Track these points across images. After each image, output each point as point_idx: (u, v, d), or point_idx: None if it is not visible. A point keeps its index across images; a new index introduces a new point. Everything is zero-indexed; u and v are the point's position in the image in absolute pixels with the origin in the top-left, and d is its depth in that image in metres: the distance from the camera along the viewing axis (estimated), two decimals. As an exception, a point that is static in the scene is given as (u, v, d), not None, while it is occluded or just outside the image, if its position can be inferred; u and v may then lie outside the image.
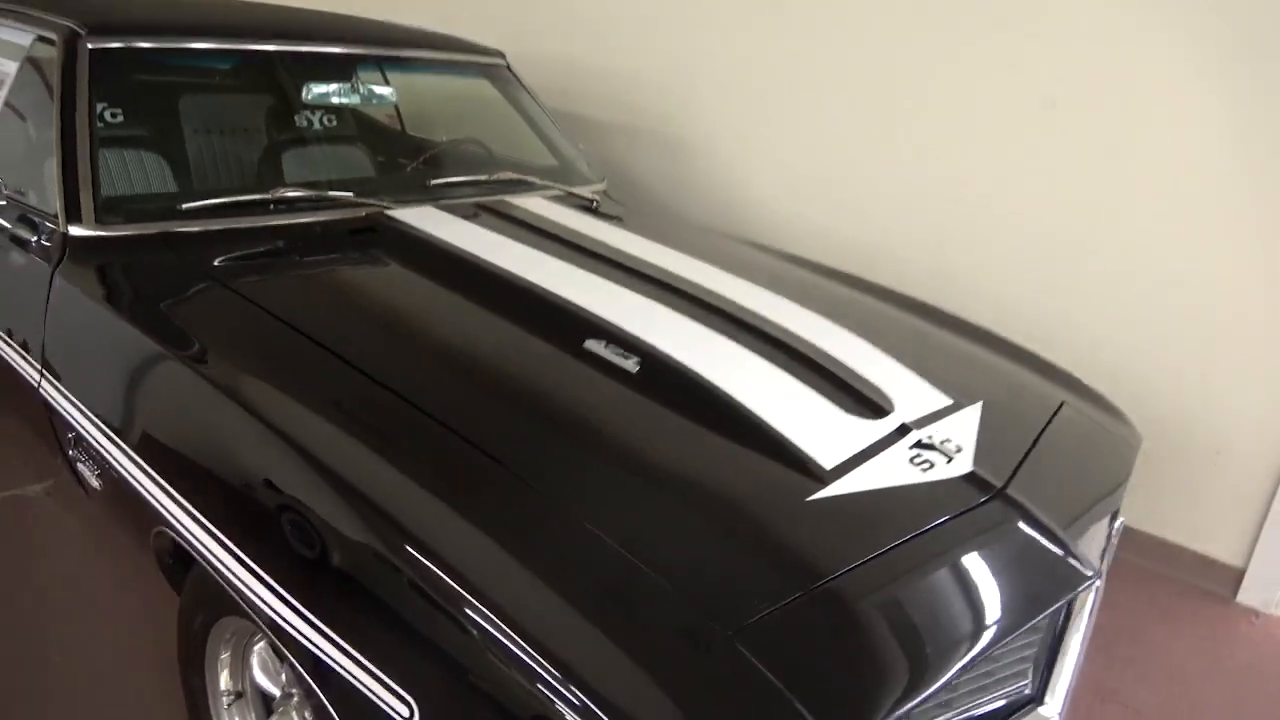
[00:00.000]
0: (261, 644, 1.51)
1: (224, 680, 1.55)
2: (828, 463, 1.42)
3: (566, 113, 3.70)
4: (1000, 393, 1.86)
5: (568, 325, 1.68)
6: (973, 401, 1.74)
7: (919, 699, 1.11)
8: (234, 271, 1.79)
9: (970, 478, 1.48)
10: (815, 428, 1.50)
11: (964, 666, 1.19)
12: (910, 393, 1.69)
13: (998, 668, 1.43)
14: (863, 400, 1.61)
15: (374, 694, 1.11)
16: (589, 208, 2.52)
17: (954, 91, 2.85)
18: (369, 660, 1.12)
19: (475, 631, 1.04)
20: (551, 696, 0.98)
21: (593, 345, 1.63)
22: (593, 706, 0.96)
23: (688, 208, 3.61)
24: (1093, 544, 1.80)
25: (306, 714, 1.45)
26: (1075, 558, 1.41)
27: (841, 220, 3.20)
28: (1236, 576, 2.61)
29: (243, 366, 1.47)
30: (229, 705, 1.58)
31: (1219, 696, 2.21)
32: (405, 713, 1.08)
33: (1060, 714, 1.47)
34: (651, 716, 0.97)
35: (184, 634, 1.55)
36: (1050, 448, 1.70)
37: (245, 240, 1.91)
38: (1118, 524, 2.03)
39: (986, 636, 1.23)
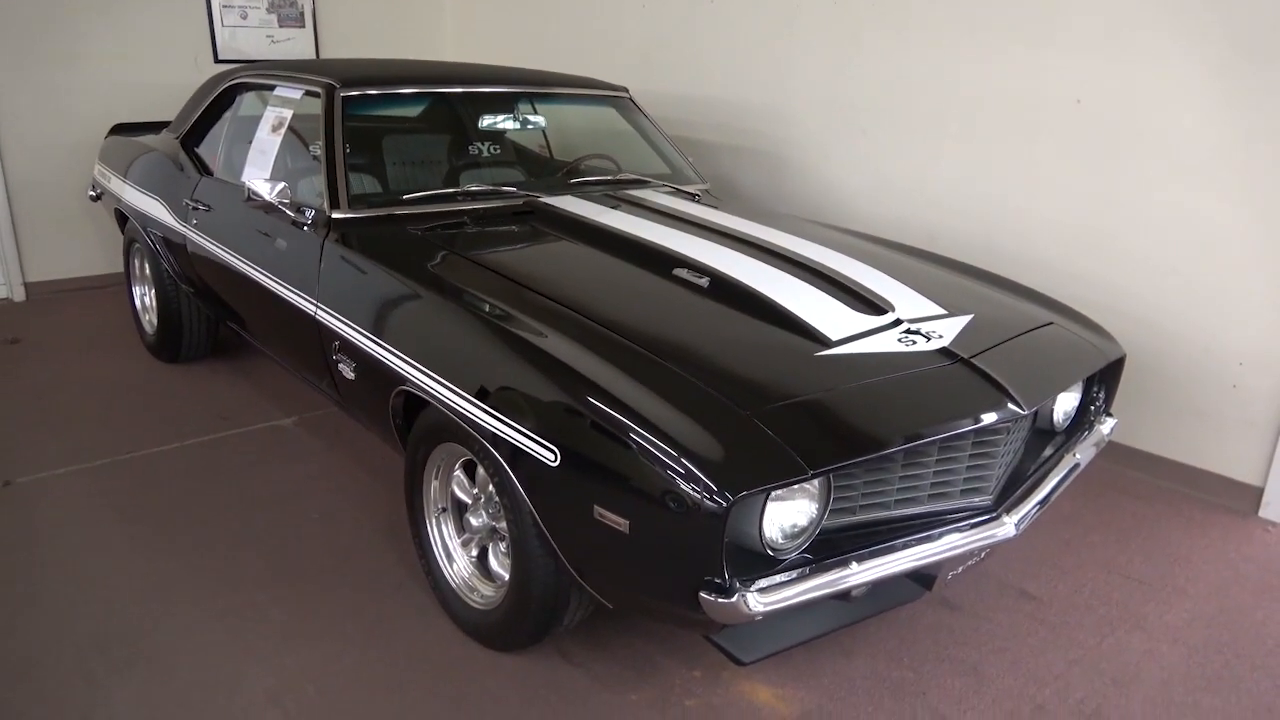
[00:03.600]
0: (458, 471, 2.27)
1: (433, 494, 2.33)
2: (834, 336, 2.07)
3: (683, 137, 4.47)
4: (994, 311, 2.44)
5: (664, 261, 2.41)
6: (965, 314, 2.33)
7: (871, 456, 1.74)
8: (437, 235, 2.62)
9: (943, 351, 2.09)
10: (829, 317, 2.15)
11: (912, 448, 1.80)
12: (910, 303, 2.31)
13: (955, 480, 2.02)
14: (869, 304, 2.25)
15: (543, 458, 1.83)
16: (693, 198, 3.24)
17: (1002, 97, 3.42)
18: (549, 442, 1.82)
19: (634, 446, 1.70)
20: (670, 475, 1.63)
21: (679, 272, 2.35)
22: (688, 464, 1.62)
23: (782, 208, 4.28)
24: (1060, 413, 2.36)
25: (489, 509, 2.21)
26: (1015, 402, 1.97)
27: (911, 209, 3.80)
28: (1257, 495, 3.00)
29: (453, 284, 2.27)
30: (436, 519, 2.35)
31: (1214, 575, 2.64)
32: (552, 458, 1.80)
33: (1017, 529, 2.03)
34: (711, 451, 1.64)
35: (410, 464, 2.34)
36: (1026, 344, 2.27)
37: (443, 218, 2.75)
38: (1111, 421, 2.54)
39: (930, 433, 1.83)
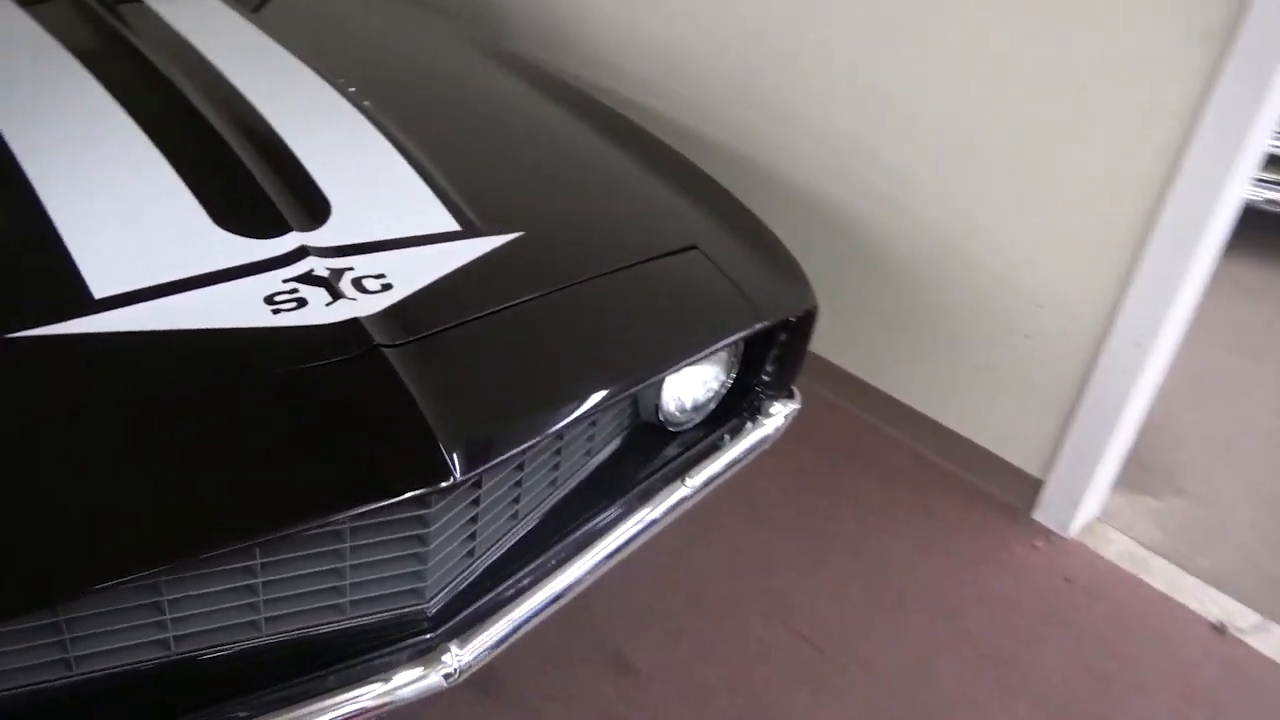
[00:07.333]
0: None
1: None
2: (102, 290, 1.01)
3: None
4: (580, 223, 1.40)
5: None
6: (506, 231, 1.28)
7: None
8: None
9: (347, 327, 1.05)
10: (132, 243, 1.09)
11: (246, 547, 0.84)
12: (384, 211, 1.25)
13: (341, 586, 1.04)
14: (267, 213, 1.17)
15: None
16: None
17: None
18: None
19: None
20: None
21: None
22: None
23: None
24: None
25: None
26: (441, 453, 0.96)
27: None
28: (1036, 488, 2.10)
29: None
30: None
31: (923, 638, 1.77)
32: None
33: (455, 676, 1.06)
34: None
35: None
36: (593, 297, 1.25)
37: None
38: (789, 408, 1.57)
39: (277, 526, 0.86)
